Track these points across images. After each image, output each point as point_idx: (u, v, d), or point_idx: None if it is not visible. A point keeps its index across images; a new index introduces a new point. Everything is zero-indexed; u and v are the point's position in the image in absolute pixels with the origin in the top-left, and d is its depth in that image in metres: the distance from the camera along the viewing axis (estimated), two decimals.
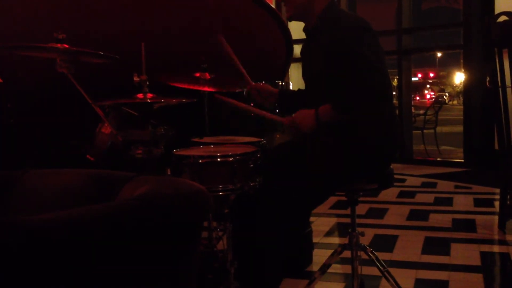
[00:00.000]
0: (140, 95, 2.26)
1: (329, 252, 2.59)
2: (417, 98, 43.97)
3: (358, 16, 2.32)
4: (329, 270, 2.54)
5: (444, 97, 37.15)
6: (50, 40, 2.14)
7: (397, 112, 6.80)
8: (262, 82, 2.65)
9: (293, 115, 2.29)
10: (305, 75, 2.49)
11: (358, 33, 2.20)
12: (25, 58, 2.53)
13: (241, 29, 3.49)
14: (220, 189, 2.14)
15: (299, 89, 2.62)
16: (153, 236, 1.20)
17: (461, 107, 8.20)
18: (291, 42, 3.74)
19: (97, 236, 1.10)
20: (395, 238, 3.75)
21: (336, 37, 2.21)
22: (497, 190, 4.52)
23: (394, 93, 2.62)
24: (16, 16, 3.08)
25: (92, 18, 3.12)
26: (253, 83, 2.58)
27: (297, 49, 4.78)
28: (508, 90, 3.93)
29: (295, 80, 8.69)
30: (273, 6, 3.78)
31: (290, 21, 2.43)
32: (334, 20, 2.28)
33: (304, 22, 2.42)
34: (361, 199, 2.40)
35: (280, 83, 3.62)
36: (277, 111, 3.04)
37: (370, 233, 3.85)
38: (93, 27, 3.08)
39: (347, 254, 2.47)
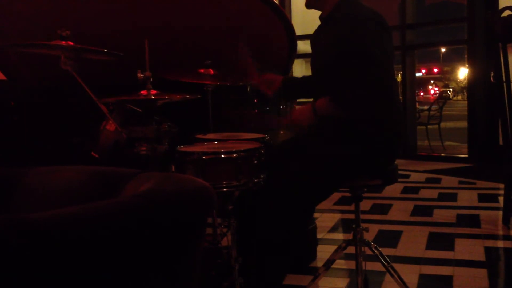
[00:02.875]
0: (144, 92, 2.26)
1: (333, 248, 2.59)
2: (421, 93, 43.87)
3: (375, 10, 2.32)
4: (333, 266, 2.55)
5: (448, 92, 37.01)
6: (54, 37, 2.15)
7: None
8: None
9: (292, 114, 2.31)
10: (313, 62, 2.50)
11: (371, 28, 2.20)
12: (29, 56, 2.54)
13: (244, 25, 3.49)
14: (224, 185, 2.15)
15: (303, 76, 2.64)
16: (157, 233, 1.20)
17: (466, 102, 8.17)
18: (295, 38, 3.73)
19: (101, 232, 1.10)
20: (399, 233, 3.75)
21: (349, 28, 2.21)
22: (502, 186, 4.51)
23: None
24: (19, 13, 3.09)
25: (95, 15, 3.13)
26: (257, 77, 2.61)
27: (300, 45, 4.77)
28: None
29: (298, 75, 8.67)
30: (276, 1, 3.77)
31: (307, 8, 2.46)
32: (351, 11, 2.29)
33: (320, 9, 2.43)
34: (365, 195, 2.41)
35: None
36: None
37: (374, 229, 3.85)
38: (96, 24, 3.09)
39: (351, 250, 2.47)
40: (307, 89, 2.56)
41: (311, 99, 2.39)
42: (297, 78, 2.72)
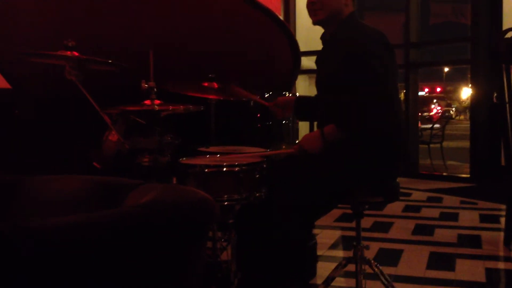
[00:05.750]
0: (147, 102, 2.27)
1: (333, 265, 2.58)
2: (424, 112, 43.89)
3: (377, 30, 2.34)
4: (333, 283, 2.53)
5: (451, 111, 37.02)
6: (60, 47, 2.16)
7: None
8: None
9: (300, 140, 2.32)
10: (318, 83, 2.52)
11: (375, 47, 2.22)
12: (34, 65, 2.55)
13: (249, 41, 3.50)
14: (226, 199, 2.14)
15: (316, 95, 2.64)
16: (158, 244, 1.20)
17: (468, 122, 8.17)
18: (299, 54, 3.74)
19: (102, 241, 1.10)
20: (400, 252, 3.73)
21: (353, 48, 2.23)
22: (503, 206, 4.49)
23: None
24: (25, 22, 3.10)
25: (101, 26, 3.14)
26: (268, 103, 2.64)
27: (304, 61, 4.78)
28: None
29: (302, 91, 8.70)
30: (281, 17, 3.79)
31: (317, 25, 2.46)
32: (354, 30, 2.31)
33: (326, 28, 2.45)
34: (366, 212, 2.40)
35: (288, 95, 3.62)
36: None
37: (375, 246, 3.83)
38: (101, 35, 3.10)
39: (351, 267, 2.46)
40: (319, 108, 2.55)
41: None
42: (310, 98, 2.71)
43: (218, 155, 2.47)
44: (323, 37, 2.50)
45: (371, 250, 3.66)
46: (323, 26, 2.46)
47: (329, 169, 2.24)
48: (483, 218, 4.88)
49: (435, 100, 51.32)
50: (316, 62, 2.57)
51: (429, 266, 3.42)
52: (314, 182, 2.22)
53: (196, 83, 2.74)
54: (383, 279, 2.40)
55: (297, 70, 3.86)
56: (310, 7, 2.40)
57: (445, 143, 9.35)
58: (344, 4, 2.37)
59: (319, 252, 3.46)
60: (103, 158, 2.35)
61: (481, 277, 3.20)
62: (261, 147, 2.69)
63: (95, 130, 2.37)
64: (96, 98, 2.15)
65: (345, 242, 4.08)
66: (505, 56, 3.81)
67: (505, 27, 6.66)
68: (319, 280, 3.07)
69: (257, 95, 2.80)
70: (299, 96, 2.80)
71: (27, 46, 2.59)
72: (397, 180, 2.39)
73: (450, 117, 22.49)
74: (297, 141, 2.41)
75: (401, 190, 2.45)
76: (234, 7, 3.28)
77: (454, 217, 4.97)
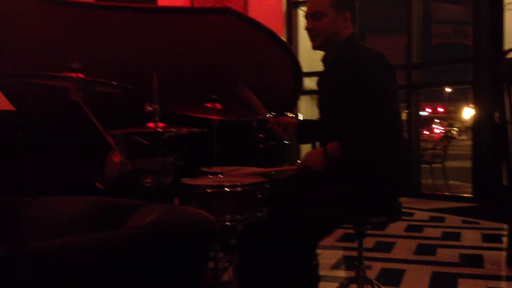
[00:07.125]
0: (151, 124, 2.29)
1: (335, 285, 2.57)
2: (426, 132, 43.86)
3: (377, 51, 2.37)
4: None
5: (453, 131, 36.97)
6: (64, 69, 2.19)
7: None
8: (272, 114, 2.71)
9: (303, 158, 2.33)
10: (319, 105, 2.54)
11: (374, 68, 2.24)
12: (37, 87, 2.58)
13: (251, 61, 3.54)
14: (228, 219, 2.14)
15: (318, 119, 2.66)
16: (160, 264, 1.21)
17: (470, 142, 8.18)
18: (301, 76, 3.78)
19: (105, 263, 1.11)
20: (402, 272, 3.72)
21: (352, 70, 2.26)
22: (505, 226, 4.48)
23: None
24: (31, 45, 3.14)
25: (105, 49, 3.18)
26: (271, 119, 2.65)
27: (307, 82, 4.82)
28: None
29: (305, 111, 8.73)
30: (283, 39, 3.83)
31: (316, 49, 2.48)
32: (354, 53, 2.34)
33: (326, 51, 2.47)
34: (368, 232, 2.40)
35: (290, 115, 3.65)
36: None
37: (377, 266, 3.81)
38: (106, 57, 3.14)
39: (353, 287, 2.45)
40: (322, 132, 2.57)
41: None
42: (312, 121, 2.73)
43: (220, 175, 2.48)
44: (324, 60, 2.53)
45: (373, 270, 3.65)
46: (323, 50, 2.49)
47: (331, 189, 2.25)
48: (486, 238, 4.87)
49: (437, 120, 51.26)
50: (318, 84, 2.60)
51: (432, 286, 3.40)
52: (316, 202, 2.23)
53: (200, 104, 2.76)
54: None
55: (299, 92, 3.90)
56: (309, 34, 2.44)
57: (447, 163, 9.33)
58: (342, 27, 2.39)
59: (321, 272, 3.44)
60: (106, 179, 2.36)
61: None
62: (263, 168, 2.70)
63: (98, 151, 2.39)
64: (100, 120, 2.18)
65: (347, 262, 4.06)
66: (506, 76, 3.84)
67: (506, 47, 6.71)
68: None
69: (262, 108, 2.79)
70: (301, 120, 2.81)
71: (32, 69, 2.62)
72: (399, 200, 2.40)
73: (452, 137, 22.45)
74: (299, 160, 2.41)
75: (403, 210, 2.45)
76: (236, 29, 3.32)
77: (457, 236, 4.95)
